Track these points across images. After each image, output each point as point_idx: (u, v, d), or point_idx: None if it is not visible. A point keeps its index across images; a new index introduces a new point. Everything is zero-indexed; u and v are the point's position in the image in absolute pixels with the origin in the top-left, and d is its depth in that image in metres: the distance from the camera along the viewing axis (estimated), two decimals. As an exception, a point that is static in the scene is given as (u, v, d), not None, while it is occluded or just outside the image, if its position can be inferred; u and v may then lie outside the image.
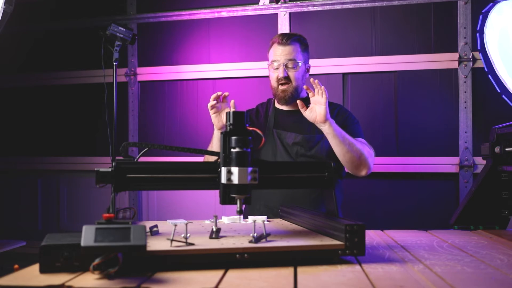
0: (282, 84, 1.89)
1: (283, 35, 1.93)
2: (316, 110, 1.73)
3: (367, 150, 1.83)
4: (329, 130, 1.73)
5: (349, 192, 2.24)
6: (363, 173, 1.84)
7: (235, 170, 1.03)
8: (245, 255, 0.96)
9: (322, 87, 1.72)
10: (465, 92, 2.51)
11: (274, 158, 1.87)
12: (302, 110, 1.76)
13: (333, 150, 1.80)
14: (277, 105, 2.01)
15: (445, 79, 2.56)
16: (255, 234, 1.02)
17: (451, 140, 2.54)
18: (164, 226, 1.26)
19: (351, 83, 2.69)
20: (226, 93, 1.77)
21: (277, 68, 1.90)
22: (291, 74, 1.88)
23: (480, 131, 2.49)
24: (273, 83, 1.93)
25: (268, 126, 1.95)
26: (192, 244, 0.97)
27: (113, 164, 1.08)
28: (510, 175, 1.69)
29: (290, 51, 1.88)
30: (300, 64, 1.90)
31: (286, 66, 1.88)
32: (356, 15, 2.70)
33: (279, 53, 1.89)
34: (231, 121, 1.06)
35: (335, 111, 1.96)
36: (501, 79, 2.25)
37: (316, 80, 1.74)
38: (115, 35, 2.49)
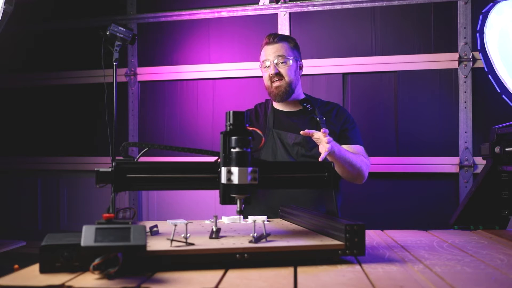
0: (275, 81, 1.91)
1: (271, 35, 1.98)
2: (322, 147, 1.65)
3: (365, 164, 1.86)
4: (332, 159, 1.70)
5: (349, 192, 2.24)
6: (358, 183, 1.90)
7: (235, 170, 1.02)
8: (245, 255, 0.96)
9: (320, 132, 1.62)
10: (465, 92, 2.51)
11: (274, 158, 1.88)
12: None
13: None
14: (276, 106, 2.02)
15: (445, 79, 2.56)
16: (255, 234, 1.02)
17: (451, 140, 2.54)
18: (164, 226, 1.26)
19: (351, 83, 2.69)
20: None
21: (268, 67, 1.93)
22: (282, 70, 1.91)
23: (480, 131, 2.49)
24: (266, 82, 1.95)
25: (267, 126, 1.95)
26: (192, 244, 0.97)
27: (113, 164, 1.08)
28: (510, 175, 1.69)
29: (278, 48, 1.92)
30: (290, 60, 1.92)
31: (276, 63, 1.91)
32: (356, 15, 2.70)
33: (268, 51, 1.93)
34: (231, 121, 1.06)
35: (333, 111, 1.97)
36: (501, 79, 2.25)
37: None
38: (115, 35, 2.49)
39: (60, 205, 3.11)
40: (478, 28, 2.31)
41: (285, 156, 1.88)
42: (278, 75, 1.90)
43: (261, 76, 2.76)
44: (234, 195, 1.05)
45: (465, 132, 2.51)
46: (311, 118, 1.93)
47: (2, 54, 2.93)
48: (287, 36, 2.00)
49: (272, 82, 1.92)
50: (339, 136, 1.92)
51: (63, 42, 3.14)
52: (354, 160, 1.79)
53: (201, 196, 2.84)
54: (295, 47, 1.98)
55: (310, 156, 1.87)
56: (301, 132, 1.63)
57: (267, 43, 1.94)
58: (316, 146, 1.87)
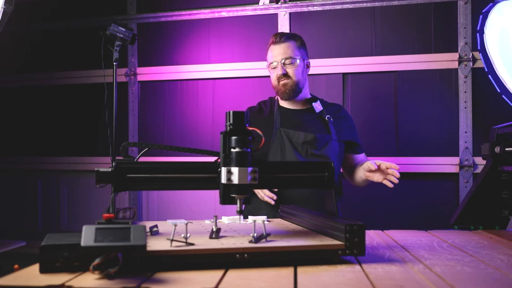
0: (282, 80, 1.91)
1: (277, 34, 1.97)
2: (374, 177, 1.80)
3: None
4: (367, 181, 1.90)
5: (349, 192, 2.24)
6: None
7: (235, 170, 1.02)
8: (245, 255, 0.96)
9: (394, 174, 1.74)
10: (465, 92, 2.51)
11: (283, 158, 1.86)
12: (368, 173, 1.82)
13: (341, 152, 1.94)
14: (282, 104, 2.00)
15: (445, 79, 2.56)
16: (255, 234, 1.02)
17: (451, 140, 2.54)
18: (164, 226, 1.26)
19: (351, 83, 2.69)
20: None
21: (275, 67, 1.92)
22: (290, 70, 1.91)
23: (480, 131, 2.49)
24: (274, 81, 1.95)
25: (275, 125, 1.93)
26: (192, 244, 0.97)
27: (113, 164, 1.08)
28: (510, 175, 1.69)
29: (285, 49, 1.91)
30: (297, 60, 1.91)
31: (283, 64, 1.90)
32: (356, 15, 2.70)
33: (275, 52, 1.93)
34: (231, 121, 1.06)
35: (339, 113, 1.99)
36: (501, 79, 2.25)
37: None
38: (115, 35, 2.49)
39: (60, 205, 3.11)
40: (478, 28, 2.31)
41: (293, 155, 1.86)
42: (286, 75, 1.90)
43: (261, 76, 2.81)
44: (234, 195, 1.05)
45: (465, 132, 2.51)
46: (319, 117, 1.94)
47: (2, 54, 2.93)
48: (293, 34, 1.98)
49: (279, 81, 1.92)
50: (349, 143, 1.97)
51: (63, 42, 3.14)
52: None
53: (201, 196, 2.84)
54: (302, 45, 1.97)
55: (319, 155, 1.86)
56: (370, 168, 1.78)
57: (274, 43, 1.93)
58: (325, 145, 1.88)
